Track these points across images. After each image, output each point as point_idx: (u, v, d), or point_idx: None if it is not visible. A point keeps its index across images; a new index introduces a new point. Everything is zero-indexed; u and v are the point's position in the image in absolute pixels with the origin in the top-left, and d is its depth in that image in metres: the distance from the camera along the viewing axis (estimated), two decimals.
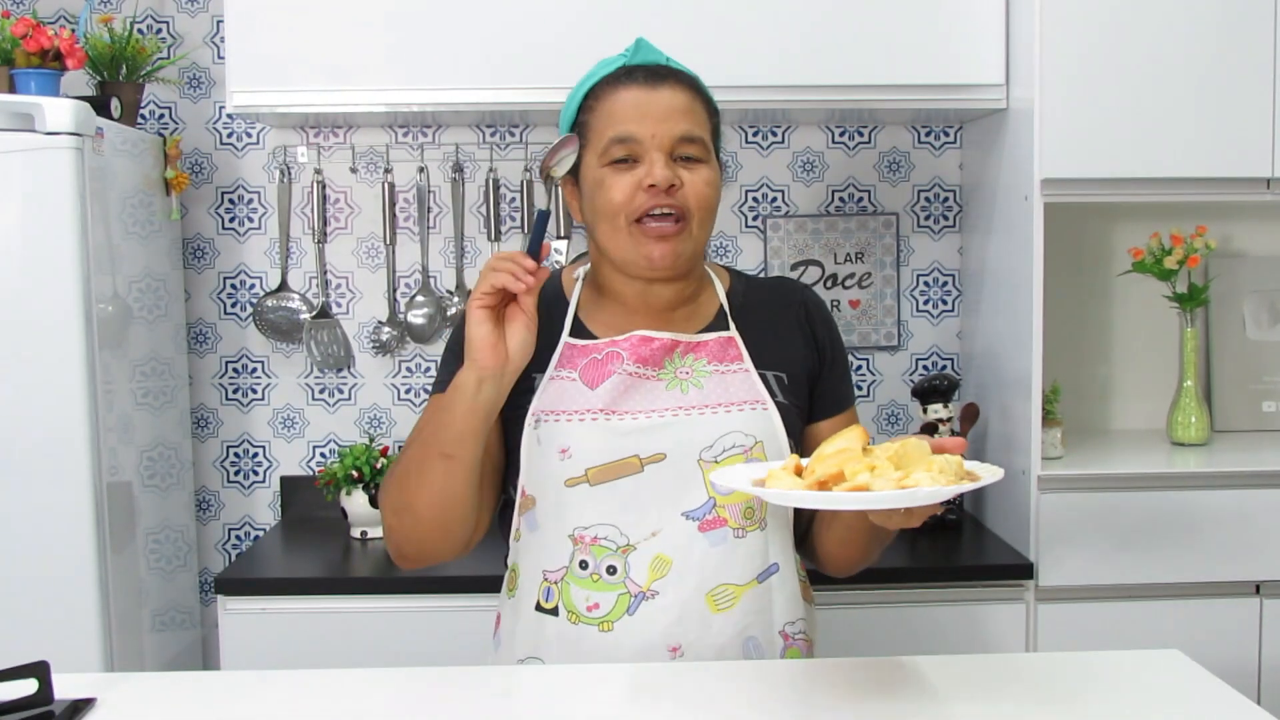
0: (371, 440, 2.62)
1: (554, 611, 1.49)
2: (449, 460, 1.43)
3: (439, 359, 1.68)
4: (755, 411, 1.49)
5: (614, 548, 1.46)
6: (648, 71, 1.50)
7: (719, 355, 1.53)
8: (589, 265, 1.59)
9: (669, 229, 1.46)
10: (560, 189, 1.55)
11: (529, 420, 1.49)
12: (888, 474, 1.19)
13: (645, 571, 1.46)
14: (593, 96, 1.51)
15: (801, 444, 1.55)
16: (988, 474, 1.24)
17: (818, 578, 1.65)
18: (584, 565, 1.47)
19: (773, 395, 1.51)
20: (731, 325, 1.56)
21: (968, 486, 1.20)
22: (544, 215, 1.43)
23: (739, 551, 1.48)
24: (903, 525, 1.28)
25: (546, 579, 1.50)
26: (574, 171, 1.53)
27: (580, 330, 1.55)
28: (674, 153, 1.47)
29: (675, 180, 1.45)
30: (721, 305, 1.58)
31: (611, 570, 1.46)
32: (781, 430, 1.49)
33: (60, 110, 2.13)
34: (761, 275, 1.74)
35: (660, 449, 1.46)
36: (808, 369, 1.57)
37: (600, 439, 1.47)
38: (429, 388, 2.72)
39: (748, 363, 1.53)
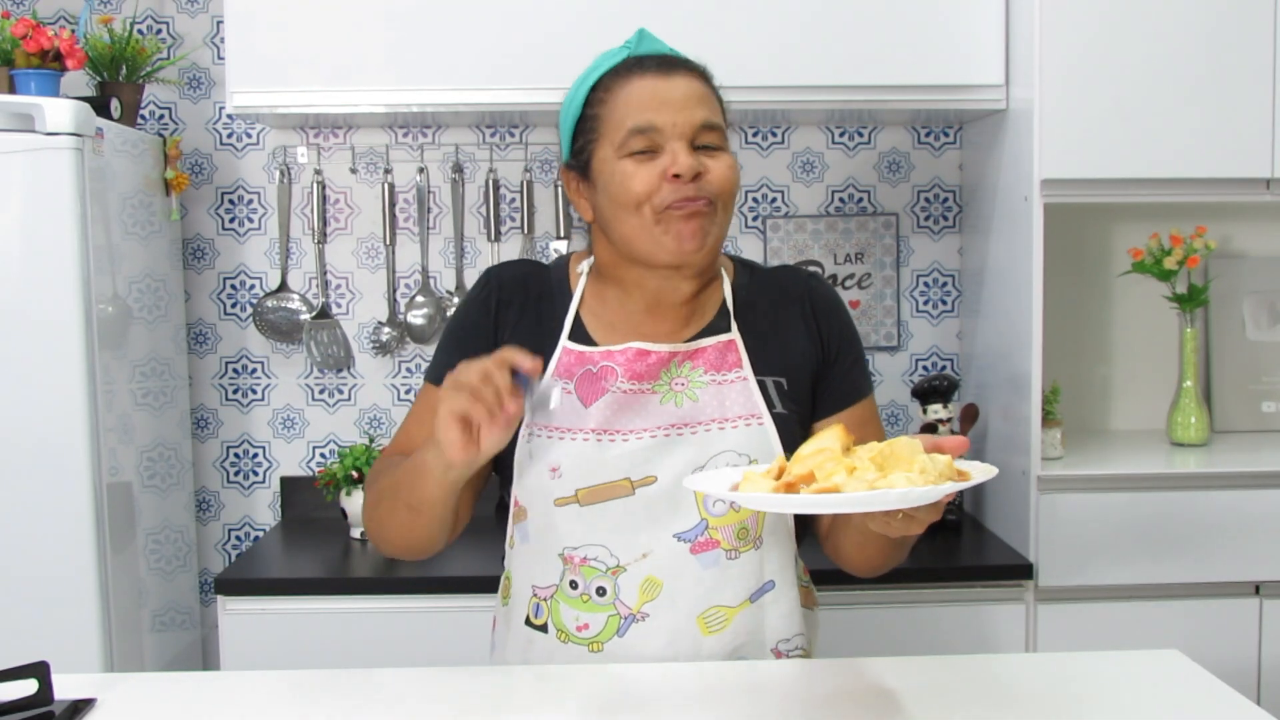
0: (371, 440, 2.62)
1: (543, 629, 1.48)
2: (415, 512, 1.41)
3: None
4: (750, 428, 1.45)
5: (604, 569, 1.44)
6: (657, 60, 1.45)
7: (717, 363, 1.48)
8: (594, 259, 1.54)
9: (699, 207, 1.40)
10: (561, 185, 1.52)
11: (523, 432, 1.46)
12: (865, 475, 1.10)
13: (635, 593, 1.44)
14: (601, 89, 1.45)
15: None
16: (980, 473, 1.15)
17: (820, 576, 1.64)
18: (574, 585, 1.46)
19: (770, 406, 1.47)
20: (733, 326, 1.51)
21: (950, 487, 1.10)
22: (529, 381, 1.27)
23: (732, 573, 1.45)
24: (903, 532, 1.21)
25: (536, 594, 1.49)
26: (581, 168, 1.48)
27: (580, 333, 1.51)
28: (694, 141, 1.42)
29: (700, 168, 1.41)
30: (725, 302, 1.53)
31: (601, 591, 1.45)
32: (778, 446, 1.45)
33: (60, 110, 2.13)
34: (771, 265, 1.68)
35: (652, 471, 1.43)
36: (811, 368, 1.52)
37: (591, 460, 1.44)
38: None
39: (747, 369, 1.49)
